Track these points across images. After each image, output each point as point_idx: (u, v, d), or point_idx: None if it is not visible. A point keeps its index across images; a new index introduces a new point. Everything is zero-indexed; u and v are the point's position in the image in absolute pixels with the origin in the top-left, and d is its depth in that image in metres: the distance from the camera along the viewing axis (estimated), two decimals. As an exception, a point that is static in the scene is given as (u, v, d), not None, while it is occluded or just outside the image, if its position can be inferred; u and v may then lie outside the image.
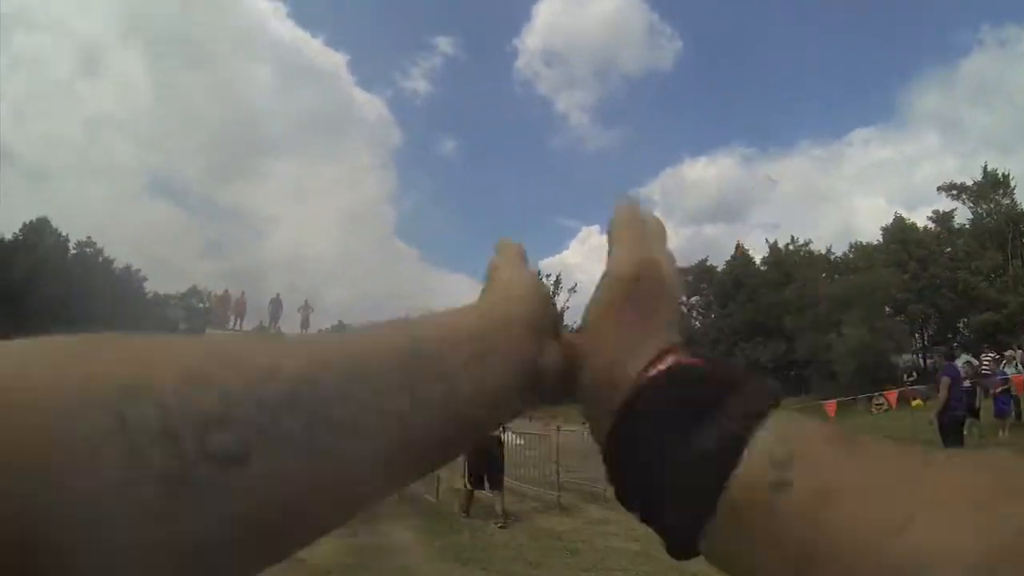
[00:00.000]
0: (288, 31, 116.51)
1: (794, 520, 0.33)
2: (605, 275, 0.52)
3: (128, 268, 68.33)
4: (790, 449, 0.34)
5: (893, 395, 21.34)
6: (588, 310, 0.51)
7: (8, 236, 59.32)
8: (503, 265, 0.57)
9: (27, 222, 61.66)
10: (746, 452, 0.35)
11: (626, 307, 0.48)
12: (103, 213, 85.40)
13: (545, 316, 0.48)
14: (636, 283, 0.49)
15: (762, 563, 0.34)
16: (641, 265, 0.51)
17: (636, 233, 0.58)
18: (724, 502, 0.35)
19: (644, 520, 0.41)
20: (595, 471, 12.48)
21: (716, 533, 0.36)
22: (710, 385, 0.40)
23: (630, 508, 0.42)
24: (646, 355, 0.44)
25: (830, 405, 20.86)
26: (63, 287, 52.32)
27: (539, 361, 0.45)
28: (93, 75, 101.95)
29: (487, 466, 9.43)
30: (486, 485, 9.46)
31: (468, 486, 9.52)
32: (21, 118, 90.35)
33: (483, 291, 0.54)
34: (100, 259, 65.81)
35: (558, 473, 10.87)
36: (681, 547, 0.38)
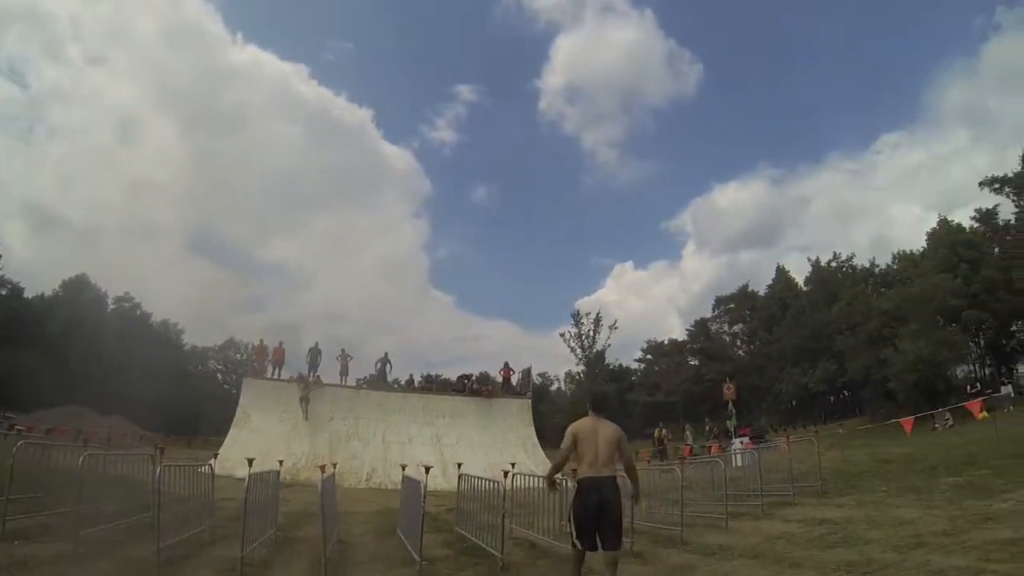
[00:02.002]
0: (311, 91, 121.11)
1: None
2: None
3: (166, 322, 69.13)
4: None
5: (975, 406, 19.89)
6: None
7: (48, 293, 60.35)
8: None
9: (66, 279, 62.73)
10: None
11: None
12: (143, 272, 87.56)
13: None
14: None
15: None
16: None
17: None
18: None
19: None
20: (661, 512, 11.57)
21: None
22: None
23: None
24: None
25: (906, 424, 19.64)
26: (101, 340, 52.68)
27: None
28: (130, 143, 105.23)
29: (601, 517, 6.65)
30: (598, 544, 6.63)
31: (577, 545, 6.79)
32: (62, 184, 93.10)
33: None
34: (138, 313, 66.51)
35: (633, 516, 9.88)
36: None
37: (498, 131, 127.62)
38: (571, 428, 7.05)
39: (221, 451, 19.83)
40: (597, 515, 6.57)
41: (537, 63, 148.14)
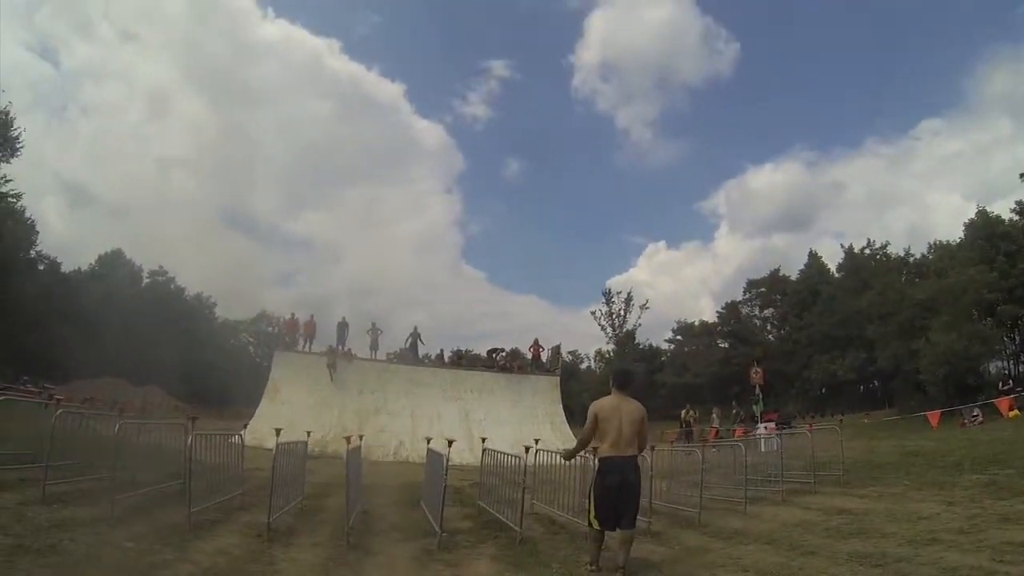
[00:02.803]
0: (343, 66, 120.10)
1: None
2: None
3: (199, 296, 70.19)
4: None
5: (1004, 403, 19.75)
6: None
7: (84, 267, 61.46)
8: None
9: (102, 254, 63.84)
10: None
11: None
12: (177, 246, 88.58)
13: None
14: None
15: None
16: None
17: None
18: None
19: None
20: (681, 493, 11.68)
21: None
22: None
23: None
24: None
25: (933, 417, 19.55)
26: (136, 313, 53.58)
27: None
28: (162, 119, 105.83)
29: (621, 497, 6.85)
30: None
31: (595, 525, 6.94)
32: (96, 161, 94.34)
33: None
34: (172, 287, 67.56)
35: (651, 496, 10.04)
36: None
37: (531, 107, 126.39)
38: (593, 406, 7.16)
39: (251, 422, 20.31)
40: (617, 495, 6.71)
41: (571, 39, 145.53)
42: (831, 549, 8.00)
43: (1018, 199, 48.39)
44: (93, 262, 63.52)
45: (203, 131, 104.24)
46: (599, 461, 6.97)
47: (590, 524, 6.91)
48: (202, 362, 58.52)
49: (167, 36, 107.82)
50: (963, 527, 8.51)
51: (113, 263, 64.18)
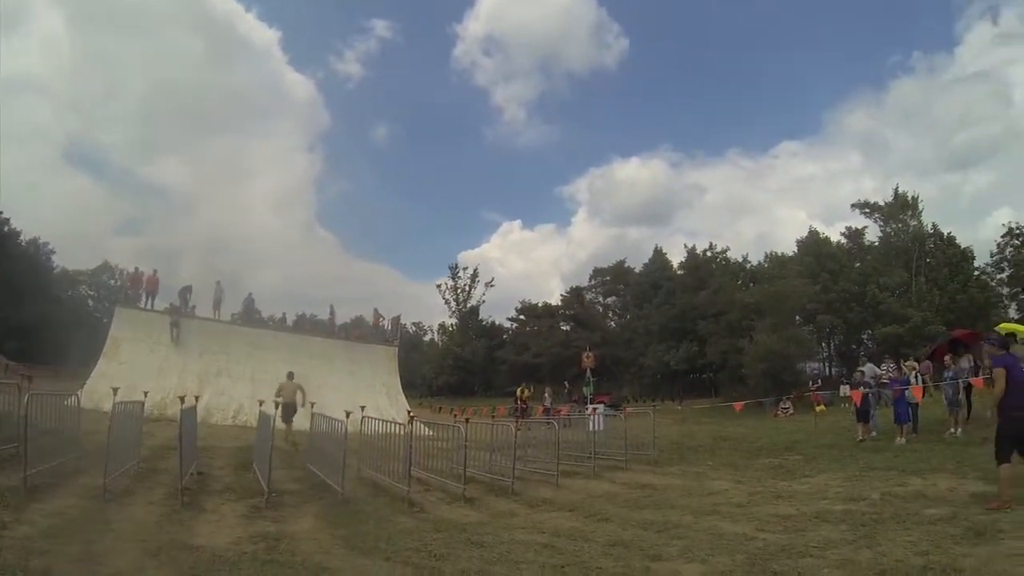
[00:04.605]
0: (220, 2, 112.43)
1: None
2: None
3: (35, 241, 64.72)
4: None
5: (814, 398, 22.01)
6: None
7: None
8: None
9: (-81, 186, 58.04)
10: None
11: None
12: (13, 181, 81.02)
13: None
14: None
15: None
16: None
17: None
18: None
19: None
20: (501, 464, 12.42)
21: None
22: None
23: None
24: None
25: (737, 405, 21.43)
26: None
27: None
28: (10, 31, 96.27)
29: None
30: None
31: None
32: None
33: None
34: (5, 229, 62.36)
35: (465, 465, 10.72)
36: None
37: (408, 72, 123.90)
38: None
39: (88, 383, 19.56)
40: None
41: (461, 7, 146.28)
42: (624, 517, 8.97)
43: (848, 225, 54.35)
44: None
45: (57, 50, 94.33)
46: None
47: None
48: (35, 315, 53.86)
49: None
50: (742, 502, 9.72)
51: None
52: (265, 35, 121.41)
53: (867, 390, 16.84)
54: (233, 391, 25.19)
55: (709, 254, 60.06)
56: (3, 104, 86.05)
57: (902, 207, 53.09)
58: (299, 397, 17.63)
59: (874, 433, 16.30)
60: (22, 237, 62.57)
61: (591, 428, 16.97)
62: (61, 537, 6.70)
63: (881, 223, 54.91)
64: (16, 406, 9.72)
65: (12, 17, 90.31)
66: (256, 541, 7.27)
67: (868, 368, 19.54)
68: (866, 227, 55.79)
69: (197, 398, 17.68)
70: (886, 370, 19.13)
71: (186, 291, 29.03)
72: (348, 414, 10.21)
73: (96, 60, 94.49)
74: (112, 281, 65.56)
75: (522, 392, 32.62)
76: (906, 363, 18.99)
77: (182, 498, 8.79)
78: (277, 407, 16.49)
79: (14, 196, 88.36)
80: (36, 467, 8.61)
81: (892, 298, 46.62)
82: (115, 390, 9.44)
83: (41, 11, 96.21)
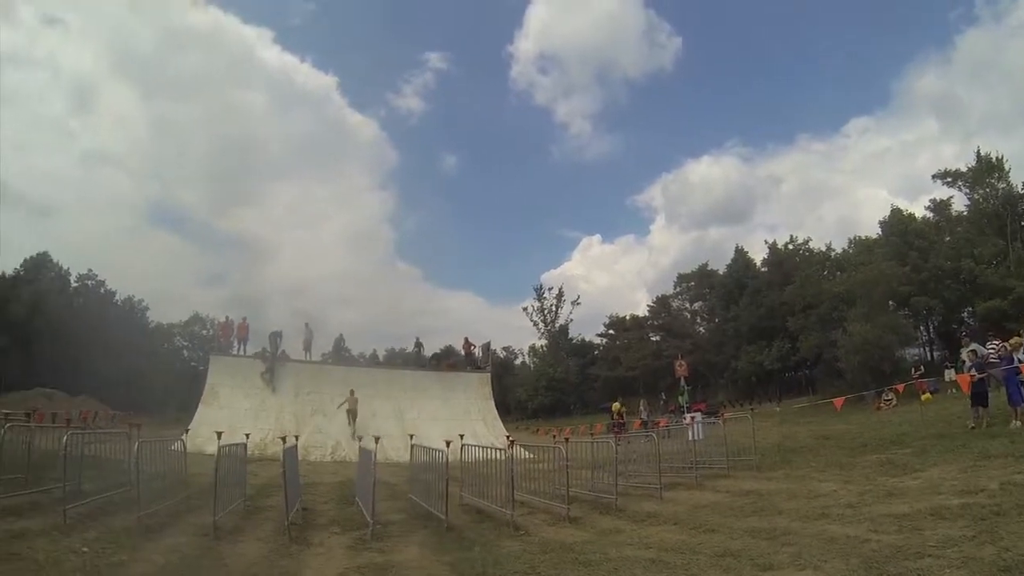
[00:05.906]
0: (275, 56, 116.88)
1: None
2: None
3: (130, 299, 68.32)
4: None
5: (920, 386, 21.19)
6: None
7: (9, 271, 59.29)
8: None
9: (28, 257, 61.81)
10: None
11: None
12: (104, 247, 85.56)
13: None
14: None
15: None
16: None
17: None
18: None
19: None
20: (604, 481, 12.42)
21: None
22: None
23: None
24: None
25: (837, 401, 20.83)
26: (66, 319, 52.21)
27: None
28: (86, 111, 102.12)
29: None
30: None
31: None
32: (18, 155, 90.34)
33: None
34: (102, 291, 65.82)
35: (568, 484, 10.80)
36: None
37: (467, 100, 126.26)
38: None
39: (191, 428, 20.43)
40: None
41: (510, 29, 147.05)
42: (731, 526, 8.87)
43: (932, 197, 51.51)
44: (18, 266, 61.13)
45: (130, 124, 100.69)
46: None
47: None
48: (136, 368, 57.02)
49: (93, 22, 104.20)
50: (852, 502, 9.40)
51: (40, 267, 61.91)
52: (322, 81, 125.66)
53: (977, 374, 15.89)
54: (329, 429, 25.93)
55: (791, 247, 58.44)
56: (88, 177, 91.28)
57: (987, 170, 48.34)
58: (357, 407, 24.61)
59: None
60: (117, 297, 66.36)
61: (691, 437, 16.82)
62: (176, 574, 7.12)
63: (967, 190, 50.14)
64: (127, 452, 10.32)
65: (83, 96, 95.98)
66: (364, 571, 7.52)
67: (976, 347, 18.46)
68: (951, 197, 51.51)
69: (297, 437, 18.28)
70: (992, 349, 18.14)
71: (276, 336, 29.93)
72: (448, 443, 10.43)
73: (166, 127, 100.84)
74: (204, 331, 68.08)
75: (616, 407, 32.50)
76: (1011, 341, 17.86)
77: (289, 533, 9.16)
78: (342, 407, 25.65)
79: (107, 259, 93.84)
80: (148, 508, 9.15)
81: (989, 270, 43.70)
82: (219, 434, 9.88)
83: (108, 89, 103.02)
